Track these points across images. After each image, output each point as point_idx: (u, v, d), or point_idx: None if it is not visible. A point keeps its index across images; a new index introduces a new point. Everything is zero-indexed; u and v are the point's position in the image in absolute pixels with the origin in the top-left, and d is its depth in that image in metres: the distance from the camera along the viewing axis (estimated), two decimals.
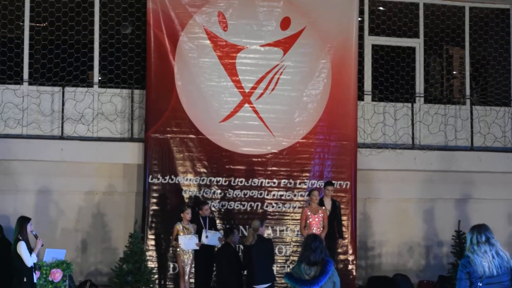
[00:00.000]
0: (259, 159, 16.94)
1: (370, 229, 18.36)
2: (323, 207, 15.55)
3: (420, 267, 18.59)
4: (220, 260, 14.33)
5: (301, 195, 16.98)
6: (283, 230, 16.80)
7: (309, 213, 15.34)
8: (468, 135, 18.90)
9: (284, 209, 16.94)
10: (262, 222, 14.51)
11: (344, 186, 17.05)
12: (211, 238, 15.24)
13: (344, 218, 16.72)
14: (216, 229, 15.72)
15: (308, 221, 15.33)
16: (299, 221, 16.43)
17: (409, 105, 18.64)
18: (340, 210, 16.20)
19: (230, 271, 14.26)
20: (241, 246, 15.62)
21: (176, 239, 15.02)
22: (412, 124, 18.59)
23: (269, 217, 16.83)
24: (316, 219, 15.30)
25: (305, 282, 9.36)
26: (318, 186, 16.76)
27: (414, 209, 18.68)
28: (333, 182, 16.43)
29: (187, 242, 14.98)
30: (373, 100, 18.67)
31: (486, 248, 8.58)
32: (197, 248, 15.03)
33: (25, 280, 12.38)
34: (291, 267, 16.55)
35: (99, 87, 17.22)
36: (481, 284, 8.50)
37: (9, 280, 15.40)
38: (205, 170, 16.68)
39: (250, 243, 14.05)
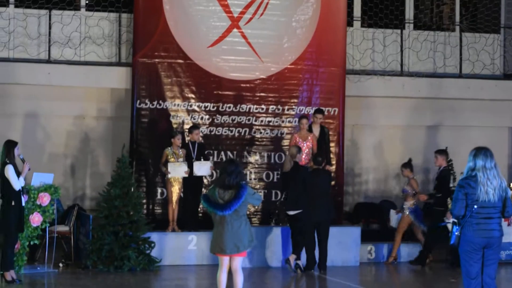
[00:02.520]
0: (247, 85, 16.85)
1: (358, 155, 18.42)
2: (312, 133, 15.53)
3: None
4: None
5: (289, 121, 16.95)
6: (270, 156, 16.80)
7: (298, 140, 15.33)
8: (457, 62, 18.86)
9: (272, 135, 16.92)
10: (299, 149, 14.57)
11: (332, 113, 17.00)
12: (202, 168, 15.22)
13: (331, 144, 16.72)
14: (205, 155, 15.67)
15: None
16: (286, 147, 16.45)
17: (399, 31, 18.54)
18: (328, 137, 16.19)
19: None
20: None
21: (165, 165, 15.02)
22: (401, 51, 18.52)
23: (257, 143, 16.81)
24: (305, 145, 15.30)
25: (218, 206, 9.57)
26: (306, 113, 16.73)
27: (402, 136, 18.73)
28: (323, 109, 16.34)
29: (176, 170, 14.99)
30: (362, 26, 18.55)
31: (495, 173, 8.65)
32: (186, 175, 15.04)
33: (13, 203, 12.41)
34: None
35: (86, 10, 17.03)
36: (476, 207, 8.59)
37: None
38: (193, 96, 16.59)
39: (287, 170, 14.07)
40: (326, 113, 16.60)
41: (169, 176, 15.01)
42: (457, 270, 11.08)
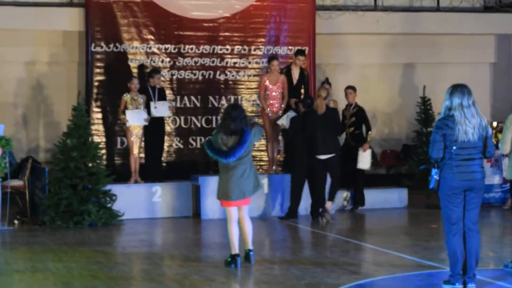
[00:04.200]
0: (210, 24, 16.81)
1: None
2: (283, 76, 15.48)
3: (383, 136, 18.83)
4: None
5: (256, 62, 16.96)
6: (237, 100, 16.82)
7: (267, 83, 15.31)
8: None
9: (238, 77, 16.92)
10: (327, 91, 14.89)
11: None
12: (160, 108, 15.23)
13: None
14: (165, 100, 15.65)
15: (267, 91, 15.31)
16: (254, 90, 16.49)
17: None
18: (308, 80, 16.16)
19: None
20: None
21: (124, 113, 14.98)
22: None
23: (223, 86, 16.82)
24: (275, 88, 15.28)
25: (221, 153, 9.80)
26: (275, 53, 16.76)
27: (377, 75, 18.80)
28: (304, 50, 16.31)
29: (135, 117, 14.95)
30: None
31: (473, 111, 8.66)
32: (146, 123, 15.03)
33: None
34: None
35: None
36: (455, 148, 8.62)
37: None
38: (152, 37, 16.52)
39: (322, 112, 14.28)
40: None
41: (128, 124, 14.98)
42: (438, 215, 11.24)
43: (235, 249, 10.13)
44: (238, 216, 10.20)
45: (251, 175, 10.07)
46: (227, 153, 9.87)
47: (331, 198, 14.44)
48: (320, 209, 14.28)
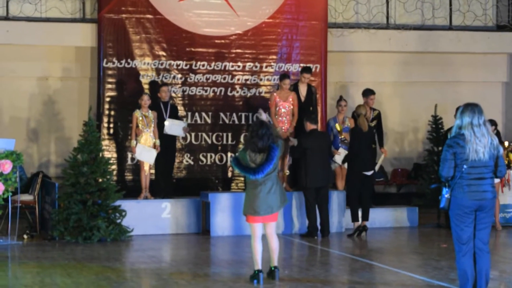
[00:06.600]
0: (222, 41, 16.80)
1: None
2: (293, 93, 15.48)
3: (395, 154, 18.76)
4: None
5: (268, 79, 16.94)
6: (248, 117, 16.78)
7: (278, 100, 15.30)
8: (447, 13, 18.85)
9: (249, 94, 16.90)
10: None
11: (313, 69, 16.97)
12: (175, 128, 15.22)
13: None
14: (177, 116, 15.68)
15: (277, 108, 15.29)
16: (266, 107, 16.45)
17: None
18: (316, 96, 16.21)
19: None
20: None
21: (136, 139, 14.92)
22: (387, 2, 18.49)
23: (234, 103, 16.79)
24: (286, 106, 15.26)
25: (250, 170, 9.96)
26: (286, 70, 16.73)
27: (388, 93, 18.74)
28: (311, 68, 16.29)
29: (144, 154, 14.94)
30: None
31: (484, 131, 8.64)
32: (152, 163, 15.05)
33: None
34: None
35: None
36: (466, 167, 8.59)
37: None
38: (164, 53, 16.52)
39: (366, 129, 14.67)
40: None
41: (135, 157, 15.09)
42: (448, 234, 11.17)
43: (258, 265, 10.24)
44: (266, 233, 10.31)
45: (278, 190, 10.23)
46: (256, 169, 10.04)
47: (368, 217, 14.74)
48: (361, 226, 14.66)
